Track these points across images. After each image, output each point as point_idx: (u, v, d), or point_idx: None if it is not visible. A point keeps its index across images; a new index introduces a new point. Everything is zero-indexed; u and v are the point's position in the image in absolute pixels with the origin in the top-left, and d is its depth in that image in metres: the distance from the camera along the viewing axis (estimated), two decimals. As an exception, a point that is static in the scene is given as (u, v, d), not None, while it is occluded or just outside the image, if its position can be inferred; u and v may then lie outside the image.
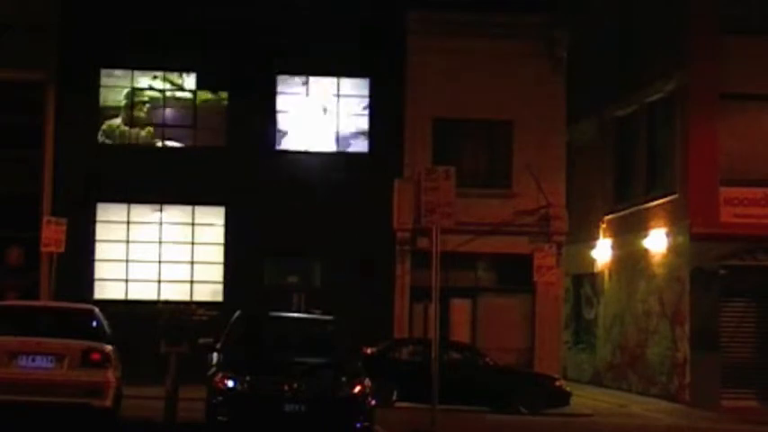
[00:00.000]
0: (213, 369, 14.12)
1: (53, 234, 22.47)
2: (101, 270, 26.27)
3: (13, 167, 25.50)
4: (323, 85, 26.99)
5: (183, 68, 26.66)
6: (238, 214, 26.16)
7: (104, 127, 26.41)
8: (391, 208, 26.25)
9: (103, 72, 26.42)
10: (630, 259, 28.53)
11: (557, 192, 26.44)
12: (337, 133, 27.05)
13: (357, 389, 13.62)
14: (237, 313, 15.95)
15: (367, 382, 13.78)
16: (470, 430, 18.94)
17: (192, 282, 26.41)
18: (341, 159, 26.83)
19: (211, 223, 26.55)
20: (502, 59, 26.38)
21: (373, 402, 13.87)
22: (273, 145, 26.70)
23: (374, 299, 25.64)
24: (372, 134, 26.85)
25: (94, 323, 14.75)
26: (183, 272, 26.43)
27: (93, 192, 25.95)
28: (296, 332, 16.14)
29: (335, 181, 26.11)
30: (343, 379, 13.72)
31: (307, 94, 26.95)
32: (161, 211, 26.46)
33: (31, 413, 13.44)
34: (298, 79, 26.90)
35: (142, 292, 26.22)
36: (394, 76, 26.38)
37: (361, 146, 26.97)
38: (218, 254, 26.51)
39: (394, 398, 21.43)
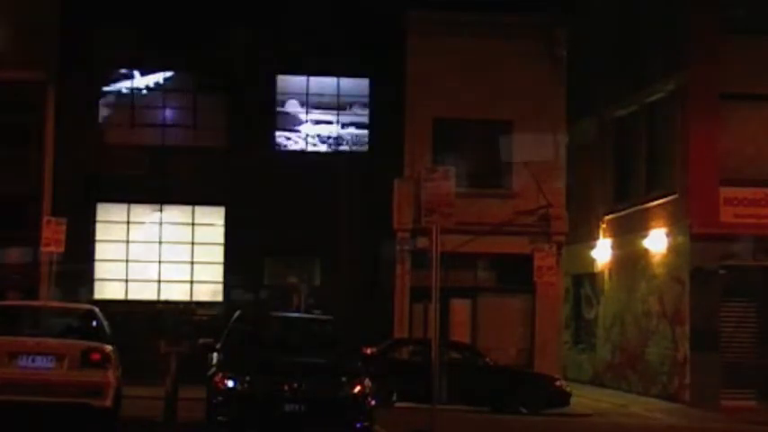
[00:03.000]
0: (213, 369, 14.10)
1: (53, 234, 22.41)
2: (101, 270, 26.27)
3: (14, 167, 25.47)
4: (323, 85, 27.02)
5: (184, 68, 26.65)
6: (238, 214, 26.14)
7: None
8: (391, 208, 26.21)
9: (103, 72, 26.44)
10: (630, 259, 28.48)
11: (557, 192, 26.39)
12: (337, 133, 27.06)
13: (357, 389, 13.60)
14: (237, 313, 15.95)
15: (367, 382, 13.76)
16: (470, 430, 18.93)
17: (191, 282, 26.41)
18: (341, 159, 26.84)
19: (211, 223, 26.56)
20: (502, 59, 26.35)
21: (373, 402, 13.85)
22: (273, 145, 26.71)
23: (375, 299, 25.63)
24: (372, 134, 26.83)
25: (94, 323, 14.72)
26: (183, 272, 26.42)
27: (93, 192, 25.94)
28: (296, 332, 16.15)
29: (335, 181, 26.10)
30: (344, 379, 13.70)
31: (307, 94, 26.97)
32: (161, 211, 26.48)
33: (31, 413, 13.43)
34: (298, 79, 26.94)
35: (142, 292, 26.23)
36: (394, 76, 26.36)
37: (361, 146, 26.99)
38: (218, 254, 26.50)
39: (394, 398, 21.41)
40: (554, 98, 26.51)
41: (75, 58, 25.62)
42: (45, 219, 23.10)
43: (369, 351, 21.41)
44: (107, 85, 26.58)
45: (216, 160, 26.22)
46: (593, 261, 30.44)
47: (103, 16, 25.82)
